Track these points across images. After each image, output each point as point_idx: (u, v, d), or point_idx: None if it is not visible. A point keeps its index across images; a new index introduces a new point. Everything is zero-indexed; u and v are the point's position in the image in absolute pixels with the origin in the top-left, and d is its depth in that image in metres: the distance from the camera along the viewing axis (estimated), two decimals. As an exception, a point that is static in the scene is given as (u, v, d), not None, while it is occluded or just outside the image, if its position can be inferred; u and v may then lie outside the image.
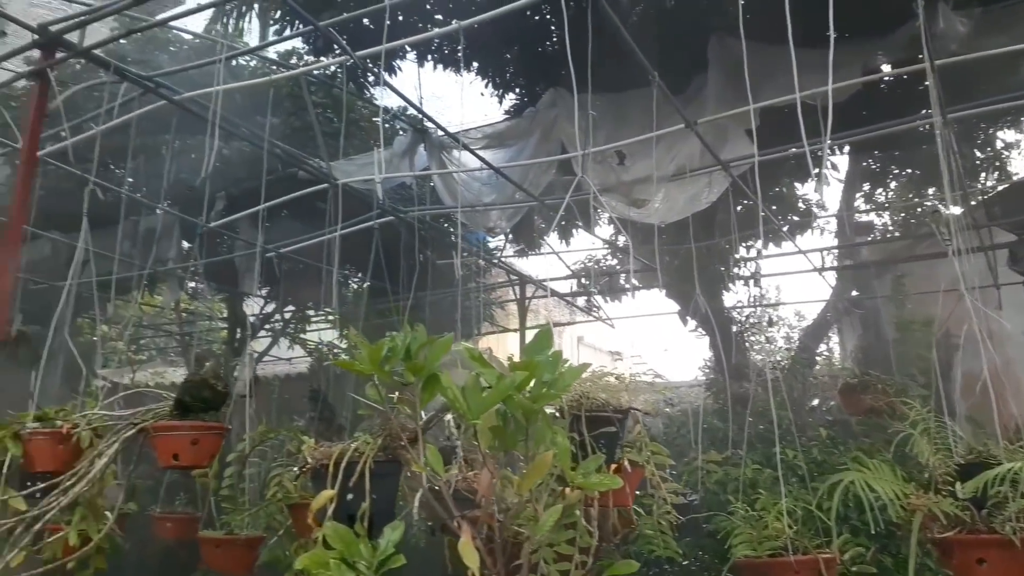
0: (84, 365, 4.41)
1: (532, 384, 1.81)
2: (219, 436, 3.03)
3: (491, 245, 8.50)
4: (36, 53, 3.68)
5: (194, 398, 2.90)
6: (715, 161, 4.89)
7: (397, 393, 2.29)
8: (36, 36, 3.56)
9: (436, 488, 1.90)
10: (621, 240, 8.22)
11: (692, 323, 7.99)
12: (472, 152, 5.21)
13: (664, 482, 2.79)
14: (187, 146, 6.21)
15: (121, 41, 5.25)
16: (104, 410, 3.47)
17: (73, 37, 3.70)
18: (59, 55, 3.62)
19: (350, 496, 2.50)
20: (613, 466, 2.39)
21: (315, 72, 7.21)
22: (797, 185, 8.21)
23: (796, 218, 8.39)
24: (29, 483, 3.26)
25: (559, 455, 1.83)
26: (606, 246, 8.31)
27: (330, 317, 9.51)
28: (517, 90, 6.85)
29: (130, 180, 6.67)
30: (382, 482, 2.54)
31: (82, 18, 3.38)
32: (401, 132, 6.87)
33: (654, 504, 2.89)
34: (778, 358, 7.64)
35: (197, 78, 4.62)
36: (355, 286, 8.99)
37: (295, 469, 2.83)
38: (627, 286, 8.58)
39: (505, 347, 14.68)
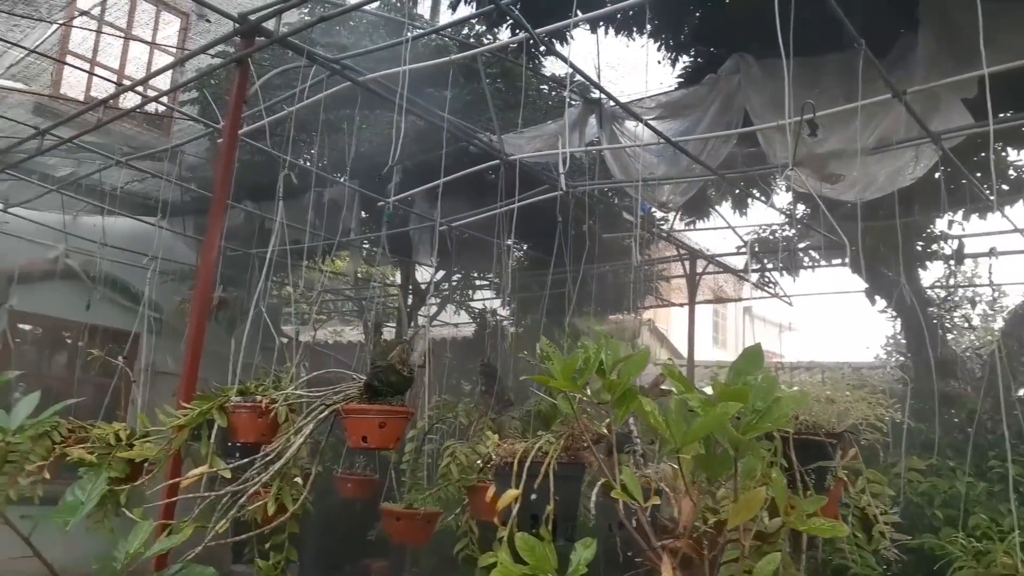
0: (273, 328, 4.71)
1: (742, 412, 1.65)
2: (405, 420, 3.11)
3: (657, 216, 8.23)
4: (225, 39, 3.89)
5: (382, 382, 2.98)
6: (923, 132, 4.37)
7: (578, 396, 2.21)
8: (237, 24, 3.72)
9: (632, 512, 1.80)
10: (800, 210, 7.69)
11: (881, 303, 7.36)
12: (647, 125, 4.98)
13: (883, 514, 2.54)
14: (366, 120, 6.40)
15: (306, 18, 5.48)
16: (290, 368, 3.71)
17: (264, 23, 3.88)
18: (257, 41, 3.76)
19: (533, 496, 2.47)
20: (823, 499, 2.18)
21: (485, 41, 7.20)
22: (1009, 151, 7.27)
23: (1006, 187, 7.45)
24: (235, 452, 3.53)
25: (774, 492, 1.68)
26: (785, 218, 7.78)
27: (495, 284, 9.68)
28: (692, 54, 6.48)
29: (312, 153, 7.02)
30: (565, 484, 2.49)
31: (279, 6, 3.49)
32: (571, 103, 6.74)
33: (872, 539, 2.63)
34: (978, 345, 6.88)
35: (378, 54, 4.72)
36: (518, 256, 9.04)
37: (479, 462, 2.85)
38: (806, 261, 8.04)
39: (667, 321, 14.33)
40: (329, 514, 6.86)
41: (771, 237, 8.24)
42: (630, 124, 5.50)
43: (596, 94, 5.56)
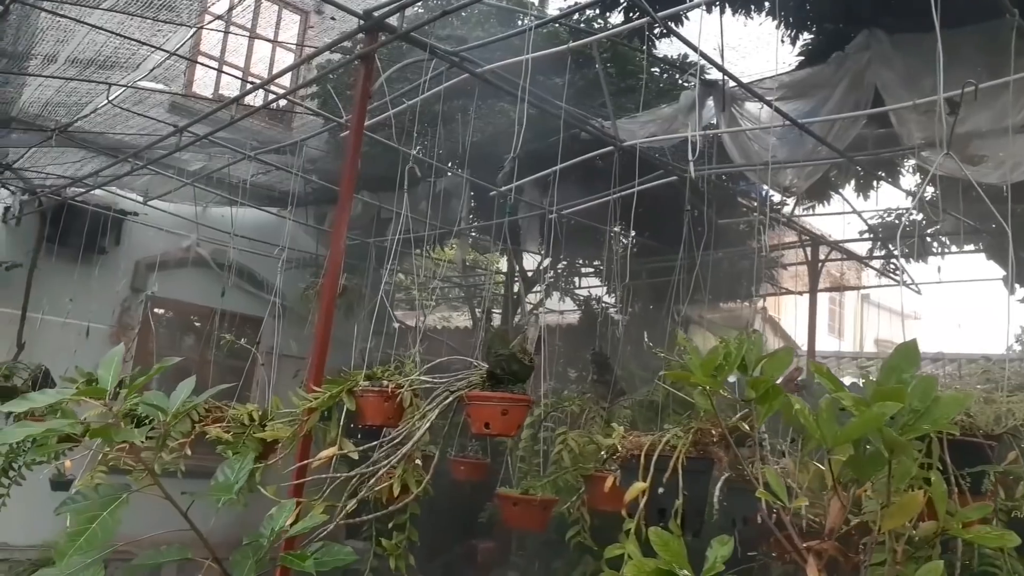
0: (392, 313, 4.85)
1: (898, 412, 1.57)
2: (526, 407, 3.14)
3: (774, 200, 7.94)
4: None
5: (504, 371, 3.02)
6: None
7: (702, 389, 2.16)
8: (361, 21, 3.82)
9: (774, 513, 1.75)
10: (928, 193, 7.23)
11: (1021, 291, 6.85)
12: (772, 106, 4.80)
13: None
14: (478, 110, 6.47)
15: (418, 10, 5.57)
16: (411, 354, 3.82)
17: (387, 19, 3.97)
18: (381, 37, 3.85)
19: (660, 490, 2.44)
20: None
21: (596, 26, 7.11)
22: None
23: None
24: (357, 434, 3.68)
25: (934, 496, 1.59)
26: (912, 202, 7.34)
27: (601, 271, 9.62)
28: (813, 31, 6.19)
29: (425, 144, 7.16)
30: (694, 479, 2.45)
31: (402, 1, 3.57)
32: (685, 85, 6.57)
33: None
34: None
35: (491, 44, 4.75)
36: (627, 243, 8.94)
37: (603, 453, 2.84)
38: (935, 247, 7.58)
39: (779, 309, 13.83)
40: (439, 495, 7.04)
41: (896, 222, 7.81)
42: (750, 106, 5.32)
43: (712, 75, 5.41)
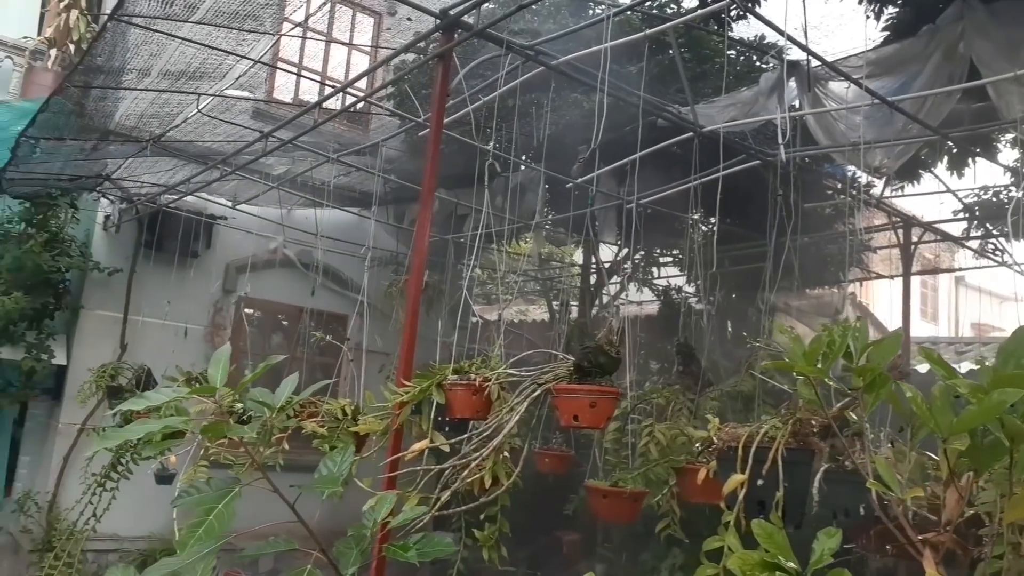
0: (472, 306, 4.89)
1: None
2: (615, 400, 3.14)
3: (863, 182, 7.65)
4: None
5: (591, 363, 3.02)
6: None
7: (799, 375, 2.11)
8: (438, 20, 3.87)
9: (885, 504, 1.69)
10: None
11: None
12: (857, 83, 4.62)
13: None
14: (552, 102, 6.45)
15: (492, 6, 5.60)
16: (495, 348, 3.86)
17: (463, 17, 4.01)
18: (457, 36, 3.89)
19: (759, 482, 2.40)
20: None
21: (669, 12, 7.00)
22: None
23: None
24: (444, 427, 3.74)
25: (1061, 488, 1.51)
26: (1014, 178, 6.96)
27: (679, 261, 9.49)
28: (898, 3, 5.92)
29: (500, 139, 7.20)
30: (794, 471, 2.40)
31: (477, -1, 3.59)
32: (764, 67, 6.39)
33: None
34: None
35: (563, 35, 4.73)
36: (707, 231, 8.77)
37: (697, 445, 2.81)
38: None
39: (868, 294, 13.33)
40: (525, 487, 7.09)
41: (995, 200, 7.41)
42: (834, 85, 5.14)
43: (792, 56, 5.25)
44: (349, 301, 9.53)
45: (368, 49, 8.41)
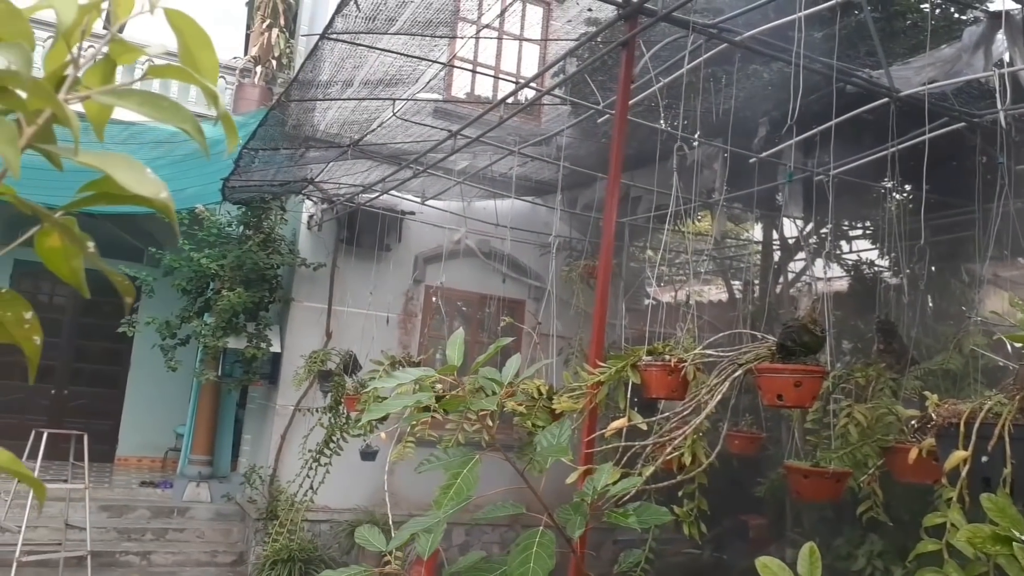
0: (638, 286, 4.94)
1: None
2: (820, 379, 3.10)
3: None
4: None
5: (795, 342, 3.00)
6: None
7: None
8: (620, 8, 3.95)
9: None
10: None
11: None
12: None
13: None
14: (731, 76, 6.32)
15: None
16: (689, 329, 3.91)
17: (641, 2, 4.06)
18: (641, 21, 3.95)
19: (984, 459, 2.32)
20: None
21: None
22: None
23: None
24: (634, 407, 3.85)
25: None
26: None
27: (870, 234, 8.95)
28: None
29: (674, 119, 7.14)
30: (1021, 447, 2.29)
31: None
32: (964, 19, 5.90)
33: None
34: None
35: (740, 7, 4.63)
36: (902, 200, 8.21)
37: (913, 422, 2.74)
38: None
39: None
40: (712, 468, 7.05)
41: None
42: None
43: (995, 6, 4.82)
44: (525, 287, 9.87)
45: (540, 42, 8.61)
